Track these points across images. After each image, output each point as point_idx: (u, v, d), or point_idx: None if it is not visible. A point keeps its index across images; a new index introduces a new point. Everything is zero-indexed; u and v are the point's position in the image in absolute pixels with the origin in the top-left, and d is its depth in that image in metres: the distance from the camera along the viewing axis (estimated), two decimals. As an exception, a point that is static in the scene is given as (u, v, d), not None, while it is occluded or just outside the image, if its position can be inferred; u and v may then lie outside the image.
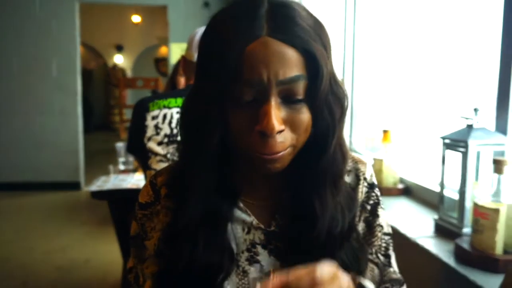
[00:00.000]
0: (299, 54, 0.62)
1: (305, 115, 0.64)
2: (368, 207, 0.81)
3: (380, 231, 0.82)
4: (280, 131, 0.62)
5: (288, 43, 0.61)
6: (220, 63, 0.61)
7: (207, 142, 0.65)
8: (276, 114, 0.61)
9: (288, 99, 0.63)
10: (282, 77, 0.61)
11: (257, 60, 0.60)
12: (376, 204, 0.82)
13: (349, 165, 0.80)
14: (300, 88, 0.62)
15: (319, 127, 0.66)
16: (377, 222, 0.81)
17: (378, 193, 0.83)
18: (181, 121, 0.72)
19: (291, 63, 0.61)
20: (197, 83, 0.69)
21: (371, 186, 0.82)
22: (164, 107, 1.63)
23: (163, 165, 1.52)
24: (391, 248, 0.83)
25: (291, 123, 0.64)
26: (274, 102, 0.61)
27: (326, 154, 0.68)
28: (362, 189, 0.81)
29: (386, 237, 0.83)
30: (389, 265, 0.83)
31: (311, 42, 0.62)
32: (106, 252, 3.57)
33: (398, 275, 0.84)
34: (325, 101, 0.65)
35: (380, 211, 0.82)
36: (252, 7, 0.63)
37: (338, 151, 0.70)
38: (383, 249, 0.82)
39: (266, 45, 0.60)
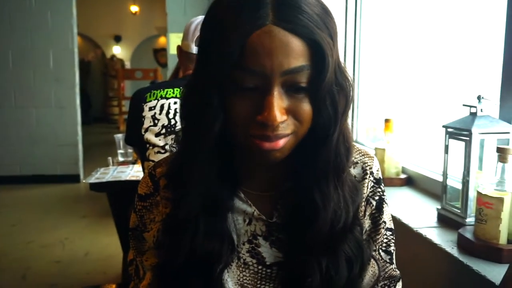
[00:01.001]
0: (304, 43, 0.60)
1: (307, 105, 0.64)
2: (374, 203, 0.81)
3: (383, 227, 0.82)
4: (282, 122, 0.62)
5: (294, 32, 0.59)
6: (222, 50, 0.60)
7: (207, 131, 0.64)
8: (279, 105, 0.61)
9: (291, 88, 0.62)
10: (287, 68, 0.60)
11: (261, 49, 0.59)
12: (382, 200, 0.82)
13: (356, 157, 0.80)
14: (304, 78, 0.62)
15: (322, 117, 0.65)
16: (382, 219, 0.82)
17: (384, 189, 0.83)
18: (181, 110, 0.71)
19: (296, 53, 0.60)
20: (197, 71, 0.68)
21: (377, 182, 0.81)
22: (162, 97, 1.63)
23: (161, 156, 1.52)
24: (392, 245, 0.84)
25: (293, 112, 0.63)
26: (277, 92, 0.61)
27: (328, 146, 0.67)
28: (368, 183, 0.80)
29: (389, 233, 0.83)
30: (390, 262, 0.84)
31: (317, 31, 0.61)
32: (106, 245, 3.59)
33: (396, 272, 0.85)
34: (329, 92, 0.64)
35: (385, 207, 0.82)
36: None
37: (341, 143, 0.69)
38: (384, 245, 0.83)
39: (270, 34, 0.59)
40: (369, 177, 0.80)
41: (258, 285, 0.75)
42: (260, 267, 0.75)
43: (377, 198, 0.81)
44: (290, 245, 0.74)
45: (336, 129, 0.66)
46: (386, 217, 0.82)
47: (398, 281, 0.85)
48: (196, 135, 0.67)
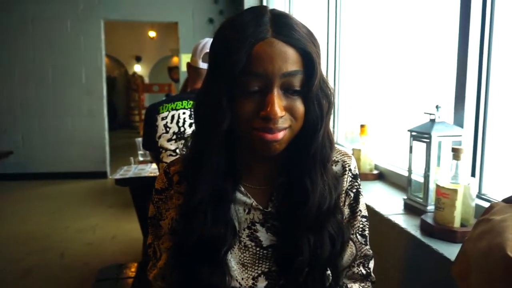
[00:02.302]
0: (298, 53, 0.63)
1: (301, 105, 0.66)
2: (352, 194, 0.81)
3: (359, 215, 0.82)
4: (281, 116, 0.63)
5: (289, 44, 0.63)
6: (232, 59, 0.61)
7: (218, 128, 0.65)
8: (278, 102, 0.63)
9: (287, 90, 0.64)
10: (285, 71, 0.62)
11: (264, 56, 0.61)
12: (358, 192, 0.82)
13: (337, 156, 0.81)
14: (298, 82, 0.64)
15: (311, 116, 0.68)
16: (359, 208, 0.82)
17: (360, 183, 0.83)
18: (195, 114, 0.72)
19: (291, 60, 0.63)
20: (208, 80, 0.69)
21: (354, 177, 0.82)
22: (172, 109, 1.63)
23: (173, 158, 1.51)
24: (367, 229, 0.84)
25: (290, 110, 0.65)
26: (276, 92, 0.63)
27: (316, 140, 0.69)
28: (347, 178, 0.80)
29: (364, 219, 0.83)
30: (365, 243, 0.84)
31: (308, 44, 0.64)
32: (129, 230, 3.58)
33: (370, 252, 0.85)
34: (316, 95, 0.67)
35: (361, 198, 0.82)
36: (258, 15, 0.64)
37: (326, 138, 0.71)
38: (360, 229, 0.83)
39: (271, 44, 0.62)
40: (348, 173, 0.80)
41: (257, 264, 0.75)
42: (258, 249, 0.75)
43: (354, 190, 0.81)
44: (283, 230, 0.75)
45: (322, 126, 0.69)
46: (362, 206, 0.82)
47: (371, 259, 0.85)
48: (208, 133, 0.67)
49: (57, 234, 3.56)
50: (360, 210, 0.82)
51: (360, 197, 0.82)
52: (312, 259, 0.71)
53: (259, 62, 0.61)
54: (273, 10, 0.67)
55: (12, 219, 3.99)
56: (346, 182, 0.80)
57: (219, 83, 0.64)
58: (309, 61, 0.64)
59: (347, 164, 0.81)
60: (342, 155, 0.81)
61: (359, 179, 0.83)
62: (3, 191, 5.02)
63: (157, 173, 2.26)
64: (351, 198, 0.81)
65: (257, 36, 0.62)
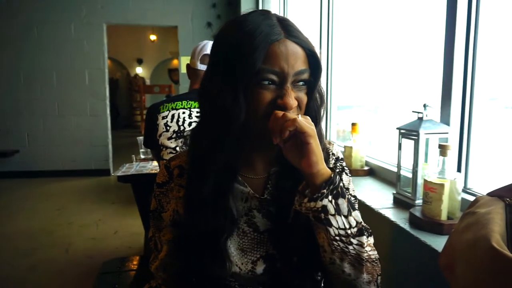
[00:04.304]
0: (305, 53, 0.68)
1: (305, 97, 0.70)
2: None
3: (348, 193, 0.82)
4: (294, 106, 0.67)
5: (299, 44, 0.67)
6: (251, 57, 0.64)
7: (235, 122, 0.67)
8: (292, 95, 0.66)
9: (296, 84, 0.68)
10: (297, 69, 0.66)
11: (280, 54, 0.65)
12: (341, 171, 0.84)
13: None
14: (306, 77, 0.68)
15: (311, 109, 0.72)
16: (345, 186, 0.82)
17: (344, 164, 0.85)
18: (205, 112, 0.72)
19: (302, 59, 0.67)
20: (221, 76, 0.68)
21: (337, 159, 0.85)
22: (172, 109, 1.62)
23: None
24: (356, 205, 0.81)
25: (298, 102, 0.69)
26: (290, 86, 0.67)
27: (317, 128, 0.71)
28: (331, 161, 0.83)
29: (352, 198, 0.83)
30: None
31: (312, 45, 0.69)
32: (131, 225, 3.56)
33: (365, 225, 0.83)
34: (316, 92, 0.72)
35: (344, 176, 0.83)
36: (266, 17, 0.68)
37: (319, 129, 0.75)
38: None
39: (285, 44, 0.66)
40: (332, 156, 0.84)
41: (255, 249, 0.76)
42: (255, 234, 0.76)
43: (337, 170, 0.82)
44: (277, 214, 0.76)
45: (321, 117, 0.75)
46: (350, 185, 0.84)
47: (370, 235, 0.76)
48: (225, 127, 0.68)
49: (61, 230, 3.54)
50: (348, 189, 0.83)
51: (344, 175, 0.83)
52: (304, 239, 0.72)
53: (276, 59, 0.65)
54: (276, 14, 0.70)
55: (18, 216, 3.96)
56: (331, 165, 0.83)
57: (235, 79, 0.65)
58: (315, 59, 0.69)
59: (330, 150, 0.84)
60: (325, 143, 0.84)
61: (341, 161, 0.85)
62: (9, 188, 4.99)
63: (158, 170, 2.25)
64: None
65: (272, 36, 0.65)
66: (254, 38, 0.64)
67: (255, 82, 0.65)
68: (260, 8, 4.17)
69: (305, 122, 0.64)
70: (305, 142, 0.64)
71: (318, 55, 0.69)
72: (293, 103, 0.66)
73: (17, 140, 5.48)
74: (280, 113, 0.64)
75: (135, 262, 2.08)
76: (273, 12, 0.72)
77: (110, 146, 5.75)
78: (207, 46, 1.74)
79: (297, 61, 0.66)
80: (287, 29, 0.67)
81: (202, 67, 1.71)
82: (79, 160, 5.63)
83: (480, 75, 1.19)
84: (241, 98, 0.66)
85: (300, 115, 0.66)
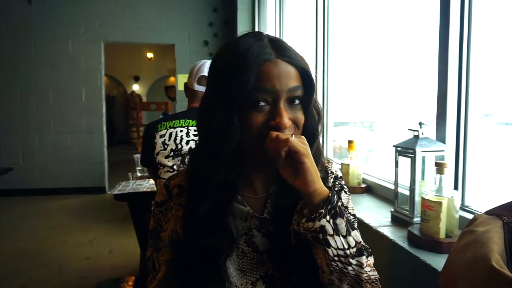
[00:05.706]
0: (297, 71, 0.69)
1: (301, 116, 0.70)
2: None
3: (347, 212, 0.82)
4: (288, 126, 0.67)
5: (290, 63, 0.68)
6: (243, 77, 0.65)
7: (230, 141, 0.68)
8: (286, 114, 0.67)
9: (291, 103, 0.69)
10: (290, 86, 0.67)
11: (271, 74, 0.66)
12: (340, 189, 0.84)
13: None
14: (299, 95, 0.69)
15: (308, 127, 0.72)
16: (344, 204, 0.82)
17: (342, 182, 0.85)
18: (202, 132, 0.74)
19: (294, 77, 0.68)
20: (214, 98, 0.70)
21: (336, 177, 0.84)
22: (170, 127, 1.62)
23: (170, 174, 1.50)
24: (355, 224, 0.81)
25: (294, 120, 0.69)
26: (283, 105, 0.67)
27: (314, 146, 0.73)
28: (330, 179, 0.83)
29: (352, 217, 0.83)
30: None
31: (304, 63, 0.70)
32: (126, 244, 3.51)
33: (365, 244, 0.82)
34: (312, 108, 0.73)
35: (343, 195, 0.83)
36: (258, 39, 0.70)
37: (317, 146, 0.76)
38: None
39: (276, 64, 0.67)
40: (330, 175, 0.84)
41: (255, 269, 0.75)
42: (254, 254, 0.76)
43: (336, 189, 0.83)
44: (277, 234, 0.76)
45: (318, 134, 0.75)
46: (349, 204, 0.83)
47: (370, 255, 0.74)
48: (220, 147, 0.69)
49: (55, 249, 3.48)
50: (347, 207, 0.82)
51: (342, 194, 0.83)
52: (304, 260, 0.71)
53: (267, 79, 0.66)
54: (268, 35, 0.72)
55: (10, 235, 3.90)
56: (330, 184, 0.83)
57: (230, 100, 0.67)
58: (307, 77, 0.70)
59: (329, 169, 0.84)
60: (325, 162, 0.84)
61: (341, 180, 0.85)
62: (2, 207, 4.92)
63: (155, 189, 2.24)
64: None
65: (263, 57, 0.66)
66: (246, 59, 0.66)
67: (248, 103, 0.66)
68: (256, 26, 4.24)
69: (298, 141, 0.65)
70: (299, 162, 0.64)
71: (311, 72, 0.70)
72: (287, 122, 0.66)
73: (11, 157, 5.44)
74: (274, 134, 0.65)
75: (130, 283, 2.05)
76: (268, 31, 0.74)
77: (106, 164, 5.72)
78: (204, 67, 1.76)
79: (289, 79, 0.67)
80: (279, 49, 0.68)
81: (199, 88, 1.74)
82: (74, 178, 5.59)
83: (474, 92, 1.21)
84: (235, 119, 0.67)
85: (293, 134, 0.66)
